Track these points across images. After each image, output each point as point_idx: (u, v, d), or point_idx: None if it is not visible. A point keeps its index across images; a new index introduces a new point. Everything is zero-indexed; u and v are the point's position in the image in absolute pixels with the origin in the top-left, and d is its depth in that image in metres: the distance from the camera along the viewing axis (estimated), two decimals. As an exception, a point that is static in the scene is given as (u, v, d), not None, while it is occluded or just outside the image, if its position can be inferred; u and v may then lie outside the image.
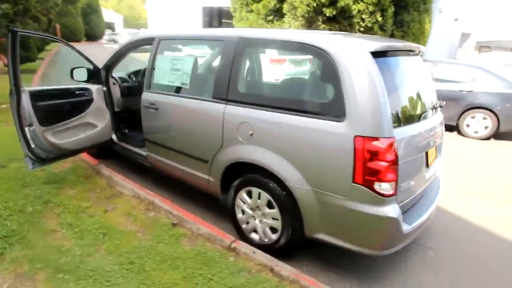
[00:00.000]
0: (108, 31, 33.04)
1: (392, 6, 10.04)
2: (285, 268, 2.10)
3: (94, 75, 3.42)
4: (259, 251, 2.25)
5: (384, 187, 1.76)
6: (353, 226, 1.90)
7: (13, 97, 2.71)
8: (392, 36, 10.96)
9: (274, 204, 2.19)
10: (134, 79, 3.91)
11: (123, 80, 3.73)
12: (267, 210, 2.25)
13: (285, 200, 2.12)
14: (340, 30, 10.37)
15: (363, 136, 1.73)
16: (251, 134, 2.15)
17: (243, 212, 2.43)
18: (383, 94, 1.74)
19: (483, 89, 6.05)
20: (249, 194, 2.34)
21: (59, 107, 3.02)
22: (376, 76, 1.75)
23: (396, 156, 1.75)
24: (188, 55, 2.67)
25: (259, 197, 2.27)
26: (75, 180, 3.33)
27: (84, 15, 23.83)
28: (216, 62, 2.55)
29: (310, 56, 2.02)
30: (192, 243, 2.41)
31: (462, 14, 19.09)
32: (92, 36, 25.35)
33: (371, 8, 9.30)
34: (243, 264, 2.17)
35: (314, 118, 1.91)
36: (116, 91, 3.64)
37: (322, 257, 2.40)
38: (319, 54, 1.90)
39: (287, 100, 2.05)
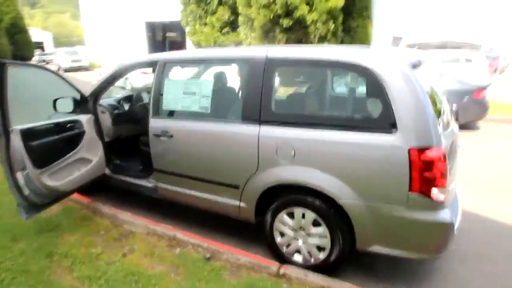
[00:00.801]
0: (37, 51, 30.23)
1: (341, 14, 10.76)
2: (343, 285, 2.08)
3: (81, 104, 3.09)
4: (311, 273, 2.20)
5: (439, 193, 1.85)
6: (410, 234, 1.96)
7: (1, 139, 2.33)
8: (342, 42, 11.73)
9: (321, 222, 2.17)
10: (125, 105, 3.62)
11: (113, 107, 3.43)
12: (313, 230, 2.22)
13: (333, 217, 2.12)
14: (297, 39, 10.82)
15: (417, 147, 1.81)
16: (294, 155, 2.12)
17: (283, 234, 2.37)
18: (429, 105, 1.85)
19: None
20: (291, 215, 2.29)
21: (53, 144, 2.66)
22: (420, 88, 1.86)
23: (447, 163, 1.86)
24: (205, 78, 2.55)
25: (303, 217, 2.23)
26: (71, 224, 2.95)
27: (9, 35, 21.53)
28: (241, 83, 2.47)
29: (347, 73, 2.07)
30: (236, 276, 2.27)
31: (394, 19, 21.21)
32: (21, 57, 22.94)
33: (324, 17, 9.87)
34: (300, 289, 2.11)
35: (362, 132, 1.94)
36: (105, 120, 3.33)
37: (361, 267, 2.43)
38: (361, 71, 1.95)
39: (330, 117, 2.07)
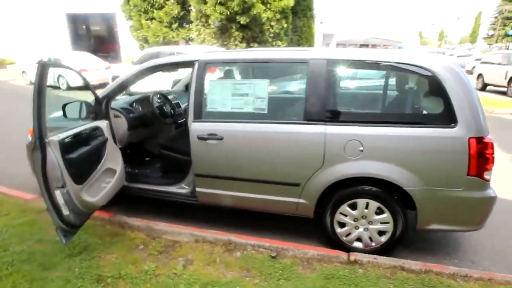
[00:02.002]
0: None
1: (291, 13, 11.28)
2: (411, 263, 2.34)
3: (95, 108, 2.77)
4: (379, 256, 2.41)
5: (488, 174, 2.22)
6: (464, 211, 2.30)
7: (37, 153, 1.99)
8: (291, 40, 12.32)
9: (385, 209, 2.39)
10: (140, 108, 3.31)
11: (128, 111, 3.13)
12: (376, 217, 2.43)
13: (396, 203, 2.35)
14: (252, 37, 10.98)
15: (475, 137, 2.14)
16: (362, 150, 2.28)
17: (343, 225, 2.53)
18: (478, 99, 2.19)
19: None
20: (352, 207, 2.46)
21: (86, 156, 2.35)
22: (470, 85, 2.19)
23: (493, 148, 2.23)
24: (259, 79, 2.52)
25: (366, 207, 2.42)
26: (102, 242, 2.64)
27: None
28: (299, 85, 2.51)
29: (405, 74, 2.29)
30: (310, 269, 2.36)
31: (326, 18, 22.91)
32: None
33: (277, 16, 10.22)
34: (375, 272, 2.30)
35: (426, 127, 2.21)
36: (121, 125, 3.04)
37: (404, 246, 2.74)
38: (423, 72, 2.20)
39: (393, 114, 2.28)
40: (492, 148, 2.18)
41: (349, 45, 32.40)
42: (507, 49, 34.82)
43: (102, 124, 2.76)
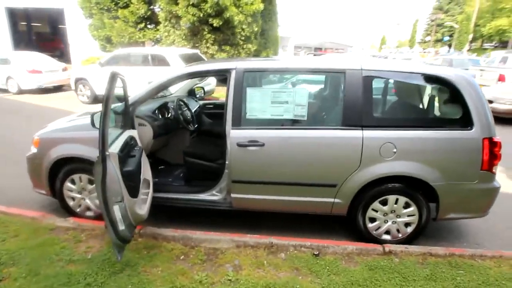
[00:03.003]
0: None
1: (261, 17, 11.49)
2: (437, 249, 2.66)
3: (124, 117, 2.69)
4: (410, 245, 2.70)
5: (495, 169, 2.62)
6: (476, 201, 2.68)
7: (98, 167, 1.91)
8: (259, 44, 12.52)
9: (412, 203, 2.68)
10: (160, 115, 3.22)
11: (153, 118, 3.04)
12: (404, 211, 2.71)
13: (422, 198, 2.66)
14: (224, 40, 10.96)
15: (487, 137, 2.52)
16: (395, 151, 2.54)
17: (374, 220, 2.78)
18: (488, 104, 2.58)
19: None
20: (383, 202, 2.71)
21: (135, 167, 2.28)
22: (481, 92, 2.56)
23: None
24: (296, 87, 2.65)
25: (395, 202, 2.69)
26: (141, 256, 2.57)
27: None
28: (337, 93, 2.67)
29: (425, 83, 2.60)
30: (352, 263, 2.55)
31: (282, 21, 23.61)
32: None
33: (249, 19, 10.34)
34: (409, 260, 2.57)
35: (448, 130, 2.54)
36: (146, 133, 2.95)
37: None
38: (444, 82, 2.53)
39: (421, 119, 2.57)
40: (500, 146, 2.58)
41: (304, 48, 34.08)
42: (438, 53, 39.23)
43: (134, 133, 2.67)
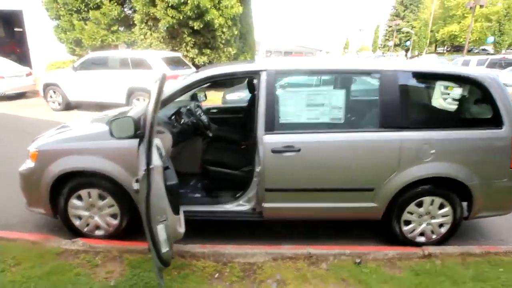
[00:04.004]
0: None
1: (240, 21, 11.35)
2: (473, 248, 2.67)
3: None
4: (447, 246, 2.68)
5: (523, 165, 2.68)
6: (505, 198, 2.72)
7: (143, 183, 1.66)
8: (239, 47, 12.36)
9: (446, 204, 2.66)
10: (175, 122, 2.95)
11: (170, 125, 2.77)
12: (439, 212, 2.69)
13: (456, 198, 2.66)
14: (204, 43, 10.65)
15: (516, 135, 2.57)
16: (433, 153, 2.51)
17: (409, 222, 2.73)
18: (513, 105, 2.64)
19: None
20: (418, 204, 2.67)
21: (176, 179, 2.02)
22: (508, 92, 2.62)
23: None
24: (333, 89, 2.54)
25: (431, 204, 2.66)
26: (172, 278, 2.30)
27: None
28: (373, 94, 2.58)
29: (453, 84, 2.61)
30: (396, 268, 2.47)
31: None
32: None
33: (229, 22, 10.15)
34: (450, 261, 2.54)
35: (481, 129, 2.55)
36: (164, 141, 2.67)
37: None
38: (474, 82, 2.55)
39: (456, 119, 2.56)
40: (526, 143, 2.65)
41: (275, 52, 34.47)
42: (397, 56, 41.63)
43: (158, 142, 2.40)
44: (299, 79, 5.53)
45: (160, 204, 1.72)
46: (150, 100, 1.73)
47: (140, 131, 2.33)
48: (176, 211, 1.85)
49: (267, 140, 2.48)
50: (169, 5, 8.92)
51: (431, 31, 46.04)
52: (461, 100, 2.69)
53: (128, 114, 2.47)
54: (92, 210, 2.70)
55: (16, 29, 19.86)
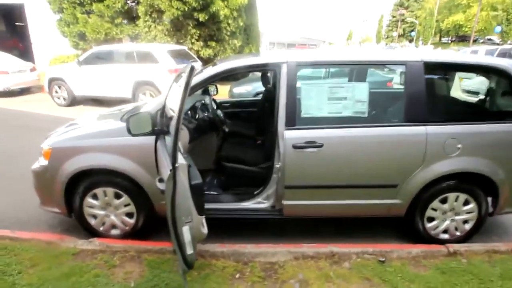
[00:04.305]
0: None
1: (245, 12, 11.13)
2: (499, 245, 2.59)
3: (162, 120, 2.34)
4: (473, 243, 2.61)
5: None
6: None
7: (169, 183, 1.59)
8: (243, 39, 12.17)
9: (471, 200, 2.58)
10: (191, 117, 2.86)
11: (187, 120, 2.69)
12: (463, 208, 2.61)
13: (481, 194, 2.57)
14: (210, 35, 10.49)
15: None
16: (459, 147, 2.42)
17: (432, 219, 2.65)
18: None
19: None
20: (442, 201, 2.59)
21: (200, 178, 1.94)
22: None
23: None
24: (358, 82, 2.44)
25: (455, 200, 2.58)
26: (193, 279, 2.25)
27: None
28: (398, 86, 2.49)
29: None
30: (422, 267, 2.40)
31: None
32: None
33: (235, 13, 9.97)
34: (477, 259, 2.46)
35: (507, 122, 2.45)
36: (181, 137, 2.60)
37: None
38: (503, 73, 2.44)
39: (482, 112, 2.46)
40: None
41: (278, 44, 34.12)
42: (403, 46, 41.09)
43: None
44: (307, 72, 5.42)
45: (185, 205, 1.65)
46: (169, 93, 1.63)
47: (157, 127, 2.26)
48: (200, 211, 1.78)
49: (288, 135, 2.39)
50: (174, -4, 8.76)
51: (436, 21, 45.32)
52: (489, 92, 2.58)
53: (143, 110, 2.39)
54: (108, 209, 2.65)
55: (18, 24, 19.69)
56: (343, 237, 2.86)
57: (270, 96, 3.71)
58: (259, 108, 3.71)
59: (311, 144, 2.38)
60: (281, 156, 2.43)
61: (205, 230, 1.94)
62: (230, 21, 10.00)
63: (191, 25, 9.49)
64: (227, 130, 3.09)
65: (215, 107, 3.06)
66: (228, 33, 10.12)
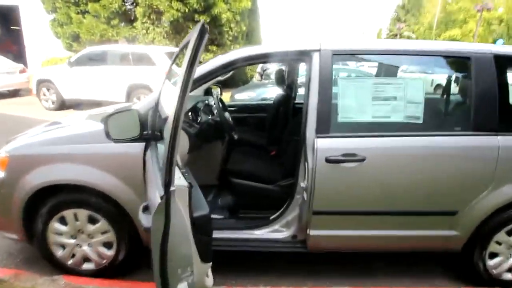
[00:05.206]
0: None
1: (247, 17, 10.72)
2: None
3: (156, 122, 1.76)
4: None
5: None
6: None
7: (159, 216, 1.00)
8: (245, 45, 11.74)
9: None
10: (192, 120, 2.29)
11: (187, 124, 2.12)
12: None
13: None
14: (211, 39, 9.99)
15: None
16: (542, 164, 1.86)
17: (495, 255, 2.07)
18: None
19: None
20: (509, 233, 2.02)
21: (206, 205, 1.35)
22: None
23: None
24: (408, 76, 1.90)
25: (530, 231, 2.01)
26: None
27: None
28: (461, 85, 1.96)
29: None
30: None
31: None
32: None
33: (237, 17, 9.52)
34: None
35: None
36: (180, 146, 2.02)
37: None
38: None
39: None
40: None
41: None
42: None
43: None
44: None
45: (184, 251, 1.06)
46: (164, 86, 1.07)
47: (148, 130, 1.69)
48: (206, 258, 1.19)
49: (320, 145, 1.82)
50: (174, -3, 8.31)
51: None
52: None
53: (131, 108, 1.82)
54: (80, 237, 2.04)
55: (12, 27, 19.24)
56: (378, 275, 2.26)
57: (285, 99, 3.17)
58: (272, 113, 3.15)
59: (350, 157, 1.81)
60: (308, 172, 1.86)
61: (210, 281, 1.34)
62: (232, 25, 9.55)
63: (192, 27, 9.01)
64: (236, 137, 2.50)
65: (222, 109, 2.47)
66: (230, 38, 9.66)
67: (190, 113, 2.34)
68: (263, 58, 1.95)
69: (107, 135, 1.61)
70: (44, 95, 8.01)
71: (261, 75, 9.15)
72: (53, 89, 7.82)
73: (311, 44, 1.89)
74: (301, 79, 3.60)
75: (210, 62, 1.95)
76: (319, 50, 1.85)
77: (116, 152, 1.78)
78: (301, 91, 3.61)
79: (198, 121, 2.31)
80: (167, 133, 1.03)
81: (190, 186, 1.10)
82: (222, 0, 8.88)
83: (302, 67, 3.28)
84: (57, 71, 7.85)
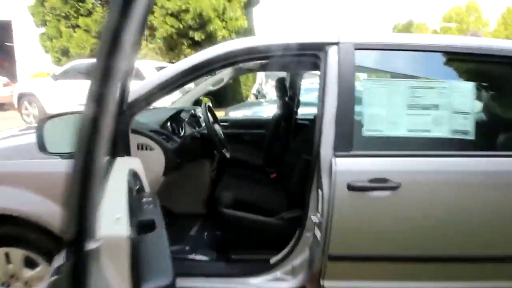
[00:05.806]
0: None
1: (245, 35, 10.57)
2: None
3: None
4: None
5: None
6: None
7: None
8: (240, 65, 11.54)
9: None
10: (173, 132, 1.81)
11: (163, 136, 1.65)
12: None
13: None
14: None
15: None
16: None
17: None
18: None
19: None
20: None
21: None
22: None
23: None
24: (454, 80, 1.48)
25: None
26: None
27: None
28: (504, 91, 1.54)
29: None
30: None
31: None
32: None
33: (233, 36, 9.29)
34: None
35: None
36: (151, 163, 1.53)
37: None
38: None
39: None
40: None
41: (274, 76, 33.81)
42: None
43: (135, 164, 1.26)
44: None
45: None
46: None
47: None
48: None
49: (341, 167, 1.35)
50: (168, 12, 8.05)
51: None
52: None
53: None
54: (13, 285, 1.50)
55: (6, 44, 19.06)
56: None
57: (286, 112, 2.73)
58: (271, 129, 2.70)
59: (380, 183, 1.34)
60: (324, 203, 1.38)
61: None
62: (228, 43, 9.31)
63: (186, 44, 8.76)
64: (228, 155, 2.01)
65: (211, 121, 1.98)
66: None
67: (170, 123, 1.87)
68: (264, 52, 1.52)
69: (41, 147, 1.12)
70: (26, 109, 7.54)
71: (256, 97, 8.85)
72: (36, 103, 7.36)
73: (326, 36, 1.47)
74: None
75: (198, 55, 1.51)
76: (337, 44, 1.43)
77: (55, 170, 1.29)
78: (303, 110, 3.22)
79: (181, 134, 1.84)
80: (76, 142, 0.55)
81: (134, 239, 0.61)
82: (218, 17, 8.68)
83: (306, 76, 2.89)
84: (40, 85, 7.42)
